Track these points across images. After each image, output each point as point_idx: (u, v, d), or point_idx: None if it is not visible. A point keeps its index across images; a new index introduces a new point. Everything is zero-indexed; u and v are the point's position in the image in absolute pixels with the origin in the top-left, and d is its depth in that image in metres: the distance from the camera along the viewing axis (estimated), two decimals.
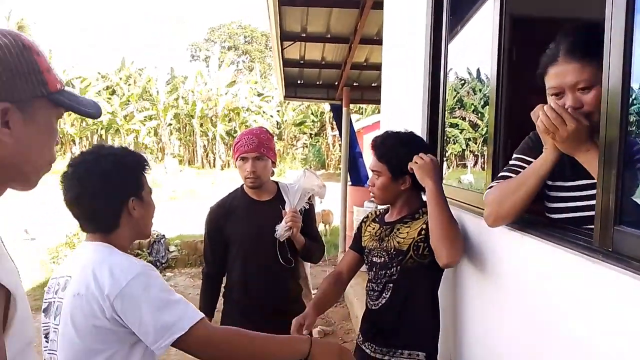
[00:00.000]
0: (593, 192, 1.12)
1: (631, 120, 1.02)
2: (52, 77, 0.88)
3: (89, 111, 0.97)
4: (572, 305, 1.15)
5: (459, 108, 2.47)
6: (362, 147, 10.37)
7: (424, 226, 1.81)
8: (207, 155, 31.97)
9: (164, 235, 7.89)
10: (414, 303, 1.85)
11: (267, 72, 39.18)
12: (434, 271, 1.84)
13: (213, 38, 49.70)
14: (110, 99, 29.13)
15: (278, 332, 2.04)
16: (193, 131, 30.57)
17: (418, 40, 2.75)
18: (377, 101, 4.64)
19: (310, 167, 30.39)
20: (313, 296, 2.19)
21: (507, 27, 1.71)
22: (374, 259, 1.95)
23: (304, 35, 6.32)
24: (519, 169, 1.40)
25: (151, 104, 29.88)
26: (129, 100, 29.63)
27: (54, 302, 1.33)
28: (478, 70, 2.30)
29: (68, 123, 27.22)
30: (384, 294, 1.89)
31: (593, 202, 1.10)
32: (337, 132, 12.47)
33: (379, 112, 5.17)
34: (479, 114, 2.13)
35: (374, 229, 2.03)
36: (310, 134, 32.67)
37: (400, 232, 1.90)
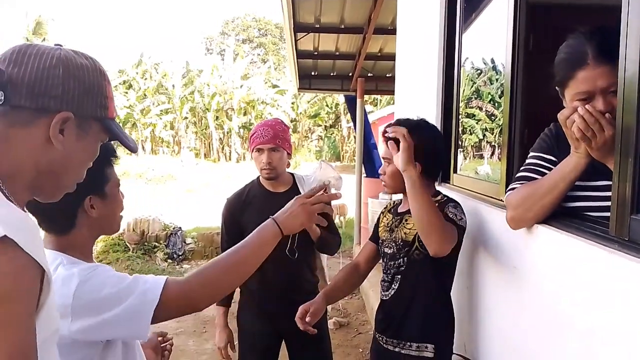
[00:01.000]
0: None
1: None
2: (112, 105, 0.97)
3: (131, 145, 1.02)
4: (588, 295, 1.14)
5: (476, 98, 2.44)
6: (376, 138, 10.33)
7: None
8: (222, 149, 32.15)
9: (180, 228, 7.98)
10: (421, 295, 1.84)
11: (282, 64, 39.17)
12: (440, 263, 1.80)
13: (227, 31, 49.77)
14: (127, 93, 29.43)
15: (293, 328, 2.04)
16: (208, 124, 30.74)
17: (432, 30, 2.73)
18: (392, 92, 4.62)
19: (325, 159, 30.40)
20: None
21: (523, 15, 1.68)
22: (385, 250, 1.95)
23: (318, 26, 6.29)
24: (541, 169, 1.37)
25: (167, 97, 30.12)
26: (145, 95, 29.90)
27: None
28: (493, 60, 2.26)
29: None
30: (393, 285, 1.90)
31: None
32: (351, 124, 12.42)
33: (394, 103, 5.14)
34: (496, 104, 2.10)
35: (387, 219, 2.02)
36: (325, 126, 32.63)
37: (407, 223, 1.89)
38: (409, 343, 1.84)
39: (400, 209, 1.99)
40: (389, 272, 1.92)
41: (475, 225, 1.92)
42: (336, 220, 10.33)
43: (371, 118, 13.80)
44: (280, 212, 1.34)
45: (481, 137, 2.39)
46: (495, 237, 1.75)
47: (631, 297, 0.98)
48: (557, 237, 1.26)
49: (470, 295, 2.02)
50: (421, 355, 1.81)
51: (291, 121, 30.74)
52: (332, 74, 8.45)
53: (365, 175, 7.95)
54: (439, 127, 2.40)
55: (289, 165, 2.46)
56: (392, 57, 5.46)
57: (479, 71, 2.38)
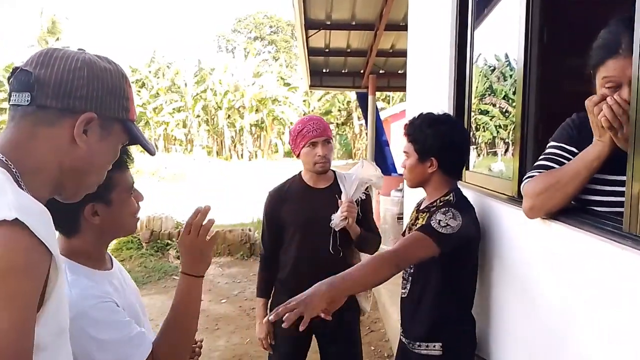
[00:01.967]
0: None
1: None
2: (133, 107, 1.00)
3: (150, 148, 1.04)
4: (601, 292, 1.12)
5: (490, 94, 2.42)
6: (389, 135, 10.29)
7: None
8: (234, 147, 32.28)
9: None
10: (428, 295, 1.84)
11: (293, 61, 39.18)
12: (447, 263, 1.76)
13: (239, 29, 49.93)
14: (139, 91, 29.66)
15: (327, 324, 2.00)
16: (220, 122, 30.88)
17: (444, 25, 2.70)
18: (404, 88, 4.59)
19: (337, 157, 30.37)
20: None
21: (537, 8, 1.66)
22: None
23: (329, 23, 6.29)
24: (561, 159, 1.35)
25: (180, 96, 30.31)
26: (158, 93, 30.12)
27: None
28: (507, 55, 2.24)
29: None
30: (408, 284, 1.92)
31: None
32: (363, 121, 12.37)
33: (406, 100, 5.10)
34: (510, 100, 2.07)
35: (412, 217, 2.03)
36: (337, 124, 32.61)
37: (417, 222, 1.88)
38: (417, 343, 1.86)
39: (421, 206, 1.98)
40: (405, 271, 1.93)
41: (488, 222, 1.90)
42: None
43: (383, 115, 13.76)
44: (182, 255, 1.31)
45: (495, 134, 2.37)
46: (508, 233, 1.73)
47: None
48: (570, 233, 1.25)
49: (482, 292, 2.00)
50: (430, 354, 1.82)
51: None
52: (343, 71, 8.44)
53: None
54: None
55: None
56: (404, 54, 5.44)
57: (492, 67, 2.35)
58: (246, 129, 30.62)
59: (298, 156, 2.40)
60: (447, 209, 1.74)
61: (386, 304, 4.54)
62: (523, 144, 1.71)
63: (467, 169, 2.41)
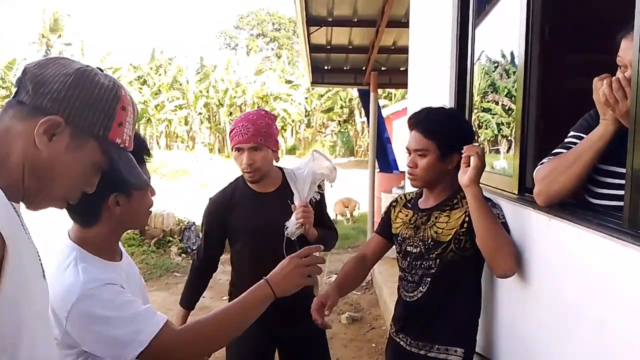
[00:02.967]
0: None
1: None
2: (118, 130, 0.94)
3: (133, 181, 0.98)
4: (601, 288, 1.12)
5: (492, 92, 2.41)
6: (391, 133, 10.28)
7: (466, 218, 1.69)
8: None
9: (194, 223, 8.03)
10: (455, 297, 1.75)
11: (295, 58, 39.13)
12: (476, 264, 1.74)
13: (242, 25, 49.86)
14: (141, 89, 29.65)
15: (291, 329, 1.89)
16: (222, 120, 30.88)
17: (445, 22, 2.70)
18: (406, 85, 4.58)
19: (339, 154, 30.38)
20: (325, 285, 2.01)
21: (537, 4, 1.65)
22: (408, 248, 1.84)
23: (331, 19, 6.26)
24: (573, 146, 1.33)
25: (181, 93, 30.29)
26: (159, 90, 30.10)
27: None
28: (511, 52, 2.24)
29: None
30: (421, 287, 1.78)
31: None
32: (365, 118, 12.34)
33: None
34: (512, 98, 2.07)
35: (407, 215, 1.90)
36: (339, 121, 32.56)
37: (438, 221, 1.77)
38: (437, 346, 1.76)
39: (422, 205, 1.87)
40: (414, 272, 1.81)
41: None
42: (345, 215, 10.32)
43: (385, 112, 13.74)
44: (274, 273, 1.30)
45: (497, 131, 2.36)
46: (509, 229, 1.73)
47: None
48: (569, 229, 1.24)
49: (484, 290, 2.00)
50: (448, 359, 1.74)
51: (305, 116, 30.74)
52: (345, 68, 8.41)
53: (378, 170, 7.92)
54: None
55: (278, 160, 2.18)
56: (405, 50, 5.42)
57: (495, 64, 2.35)
58: None
59: None
60: (490, 202, 1.70)
61: (387, 301, 4.54)
62: (524, 141, 1.71)
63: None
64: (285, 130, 32.23)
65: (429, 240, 1.77)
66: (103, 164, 0.95)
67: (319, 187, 2.16)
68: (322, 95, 30.49)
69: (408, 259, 1.84)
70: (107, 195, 1.22)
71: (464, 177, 1.58)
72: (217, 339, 1.24)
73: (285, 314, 1.88)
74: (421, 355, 1.78)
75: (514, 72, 2.02)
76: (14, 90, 0.91)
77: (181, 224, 7.94)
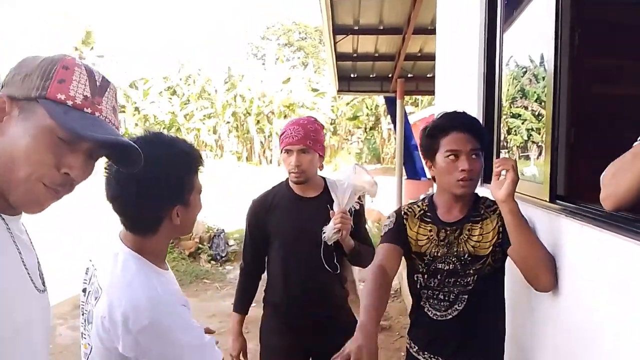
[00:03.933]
0: None
1: None
2: (59, 87, 0.87)
3: (81, 133, 0.86)
4: (638, 300, 1.09)
5: (521, 97, 2.38)
6: (417, 139, 10.21)
7: (499, 228, 1.63)
8: (264, 152, 32.54)
9: (223, 230, 8.12)
10: (490, 313, 1.71)
11: (321, 67, 39.32)
12: (503, 275, 1.71)
13: (269, 35, 50.45)
14: (170, 99, 30.25)
15: (323, 341, 1.83)
16: (250, 129, 31.21)
17: (472, 28, 2.68)
18: (432, 92, 4.57)
19: (365, 162, 30.29)
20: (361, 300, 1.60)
21: (566, 9, 1.63)
22: (440, 266, 1.71)
23: (357, 28, 6.30)
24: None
25: (210, 102, 30.78)
26: (188, 100, 30.65)
27: (90, 293, 1.27)
28: (541, 57, 2.21)
29: (132, 123, 28.49)
30: (456, 305, 1.69)
31: None
32: (392, 126, 12.32)
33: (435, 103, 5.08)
34: (542, 103, 2.04)
35: (430, 231, 1.74)
36: (365, 128, 32.50)
37: (472, 234, 1.67)
38: None
39: (445, 217, 1.73)
40: (447, 290, 1.69)
41: None
42: (369, 226, 10.27)
43: (412, 119, 13.66)
44: None
45: (526, 137, 2.33)
46: (541, 238, 1.69)
47: None
48: (603, 237, 1.22)
49: (513, 298, 1.96)
50: None
51: (331, 123, 30.80)
52: (371, 76, 8.44)
53: (405, 177, 7.87)
54: None
55: (322, 167, 2.24)
56: (432, 57, 5.40)
57: (523, 69, 2.32)
58: (275, 134, 30.84)
59: None
60: None
61: None
62: (554, 147, 1.68)
63: None
64: None
65: (466, 255, 1.67)
66: (56, 129, 0.86)
67: (359, 198, 2.22)
68: (348, 103, 30.53)
69: (439, 277, 1.71)
70: (172, 206, 1.23)
71: (499, 191, 1.53)
72: None
73: (317, 323, 1.95)
74: None
75: (544, 77, 2.00)
76: None
77: (210, 231, 8.04)
